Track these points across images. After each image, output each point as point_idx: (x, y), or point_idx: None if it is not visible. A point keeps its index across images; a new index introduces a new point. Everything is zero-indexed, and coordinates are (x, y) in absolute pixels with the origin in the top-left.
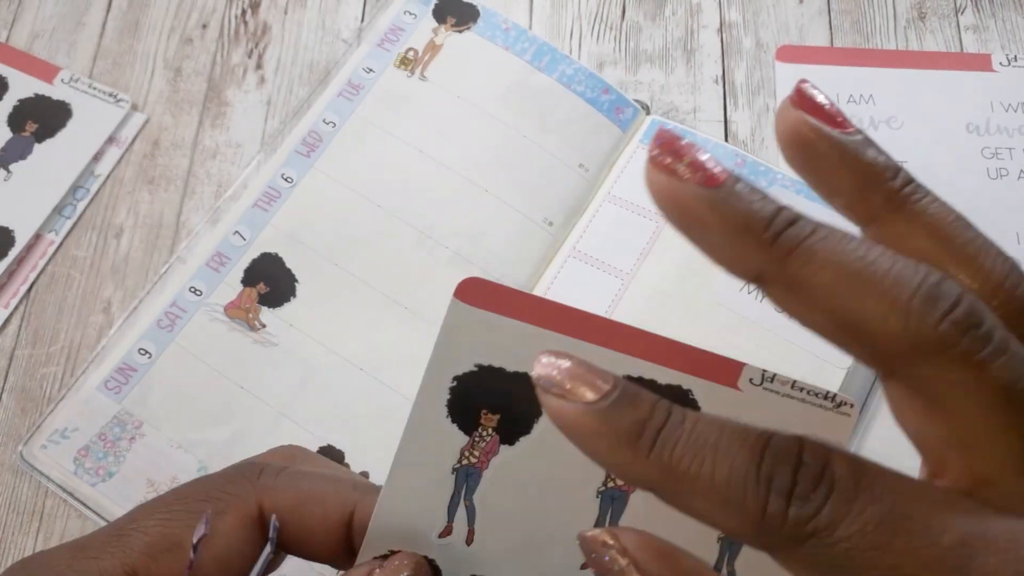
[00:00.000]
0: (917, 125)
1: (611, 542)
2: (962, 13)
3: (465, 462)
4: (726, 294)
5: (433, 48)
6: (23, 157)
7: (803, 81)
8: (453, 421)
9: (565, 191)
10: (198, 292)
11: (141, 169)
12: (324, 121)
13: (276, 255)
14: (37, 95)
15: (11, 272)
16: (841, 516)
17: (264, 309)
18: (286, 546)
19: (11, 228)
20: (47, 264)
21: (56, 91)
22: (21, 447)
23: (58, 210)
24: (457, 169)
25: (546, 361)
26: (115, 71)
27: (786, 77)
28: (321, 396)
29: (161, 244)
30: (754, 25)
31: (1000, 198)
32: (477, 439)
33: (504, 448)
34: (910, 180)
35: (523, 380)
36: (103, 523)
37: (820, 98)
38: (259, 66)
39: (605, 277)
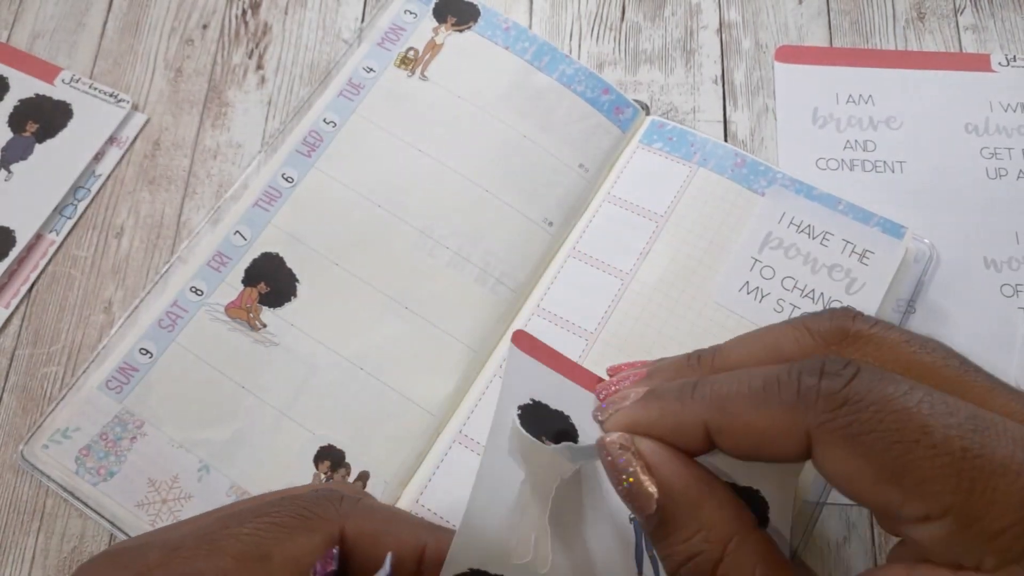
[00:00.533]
0: (916, 125)
1: (627, 444)
2: (961, 13)
3: None
4: (724, 294)
5: (433, 47)
6: (24, 157)
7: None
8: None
9: (565, 191)
10: (199, 292)
11: (142, 169)
12: (324, 121)
13: (277, 255)
14: (38, 95)
15: (12, 272)
16: (870, 386)
17: (265, 309)
18: (359, 573)
19: (12, 228)
20: (48, 264)
21: (57, 91)
22: (22, 446)
23: (59, 210)
24: (457, 169)
25: (607, 388)
26: (116, 71)
27: (785, 78)
28: (322, 396)
29: (162, 244)
30: (753, 25)
31: (999, 198)
32: None
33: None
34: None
35: (562, 417)
36: (104, 523)
37: (615, 387)
38: (260, 66)
39: (605, 277)
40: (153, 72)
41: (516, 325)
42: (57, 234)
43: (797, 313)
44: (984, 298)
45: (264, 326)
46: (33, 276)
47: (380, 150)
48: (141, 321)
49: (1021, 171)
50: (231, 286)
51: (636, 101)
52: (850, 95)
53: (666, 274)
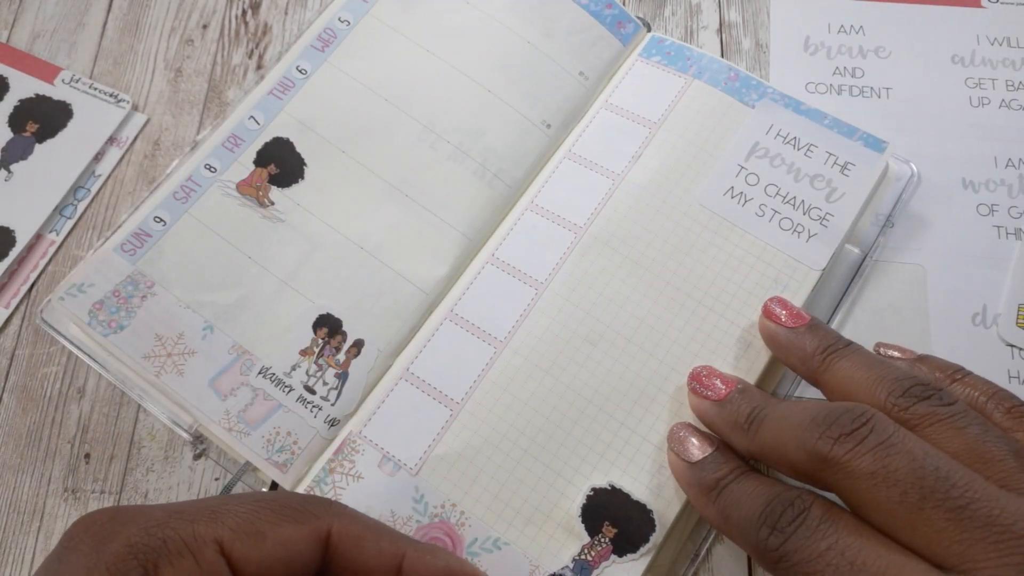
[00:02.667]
0: (904, 55)
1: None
2: None
3: (583, 556)
4: (709, 197)
5: None
6: (24, 157)
7: (770, 300)
8: (583, 522)
9: (564, 97)
10: (213, 169)
11: (142, 169)
12: (339, 20)
13: (287, 140)
14: (38, 95)
15: (12, 272)
16: (797, 544)
17: (274, 188)
18: (340, 571)
19: (12, 228)
20: (48, 264)
21: (57, 91)
22: (42, 309)
23: (59, 210)
24: (462, 69)
25: (680, 431)
26: (116, 71)
27: (781, 7)
28: (323, 269)
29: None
30: (753, 26)
31: (980, 124)
32: (595, 543)
33: (614, 558)
34: (833, 349)
35: (642, 509)
36: (109, 376)
37: (779, 311)
38: (259, 66)
39: (596, 178)
40: (153, 72)
41: (511, 218)
42: (57, 234)
43: (778, 218)
44: (961, 216)
45: (272, 203)
46: (33, 276)
47: (390, 49)
48: (156, 195)
49: (1003, 100)
50: (243, 166)
51: (638, 18)
52: (842, 25)
53: (655, 176)
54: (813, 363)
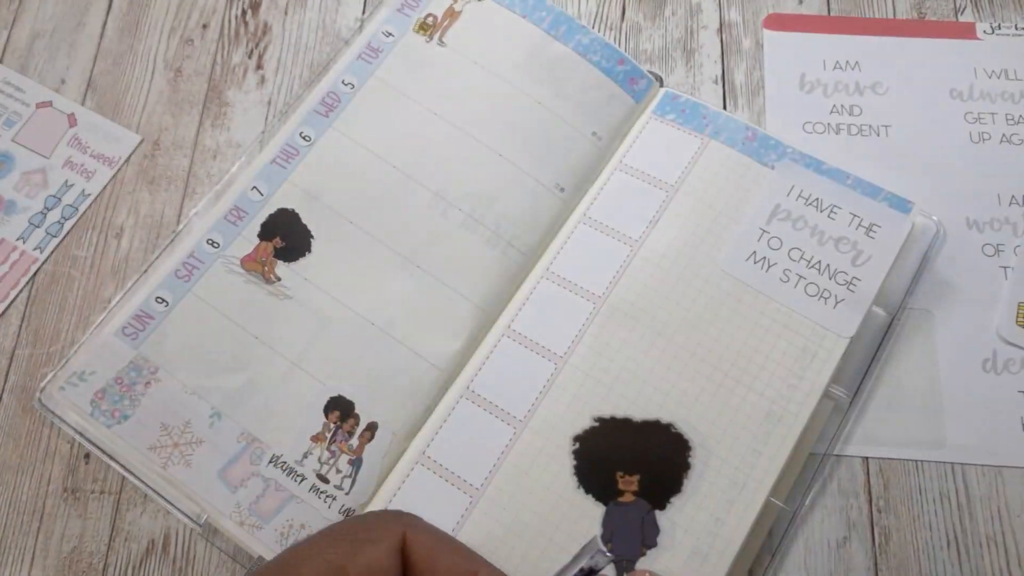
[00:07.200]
0: (902, 91)
1: None
2: (961, 13)
3: None
4: (731, 263)
5: (452, 14)
6: None
7: None
8: None
9: (577, 158)
10: (215, 244)
11: (142, 169)
12: (343, 83)
13: (292, 211)
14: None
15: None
16: None
17: (280, 263)
18: None
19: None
20: (45, 262)
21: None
22: (39, 393)
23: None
24: (472, 133)
25: None
26: (115, 71)
27: (774, 44)
28: (333, 347)
29: (161, 244)
30: (754, 26)
31: (982, 161)
32: None
33: None
34: None
35: None
36: (116, 466)
37: None
38: (259, 66)
39: (614, 244)
40: (153, 72)
41: (526, 287)
42: (56, 235)
43: (803, 283)
44: (966, 257)
45: (278, 279)
46: (33, 268)
47: (397, 113)
48: (158, 271)
49: (1004, 135)
50: (247, 240)
51: (651, 72)
52: (837, 62)
53: (675, 242)
54: None
